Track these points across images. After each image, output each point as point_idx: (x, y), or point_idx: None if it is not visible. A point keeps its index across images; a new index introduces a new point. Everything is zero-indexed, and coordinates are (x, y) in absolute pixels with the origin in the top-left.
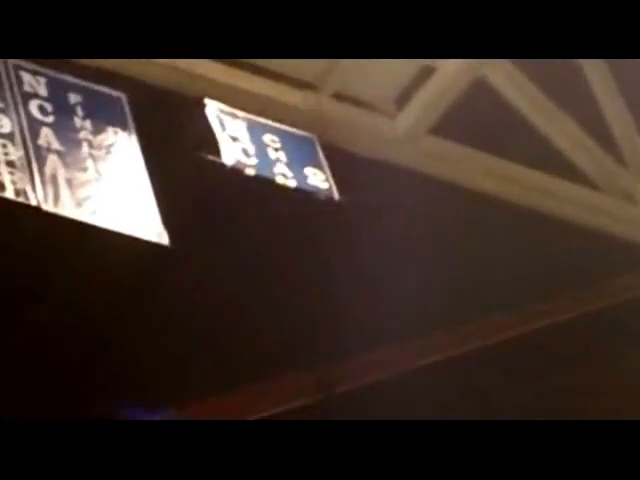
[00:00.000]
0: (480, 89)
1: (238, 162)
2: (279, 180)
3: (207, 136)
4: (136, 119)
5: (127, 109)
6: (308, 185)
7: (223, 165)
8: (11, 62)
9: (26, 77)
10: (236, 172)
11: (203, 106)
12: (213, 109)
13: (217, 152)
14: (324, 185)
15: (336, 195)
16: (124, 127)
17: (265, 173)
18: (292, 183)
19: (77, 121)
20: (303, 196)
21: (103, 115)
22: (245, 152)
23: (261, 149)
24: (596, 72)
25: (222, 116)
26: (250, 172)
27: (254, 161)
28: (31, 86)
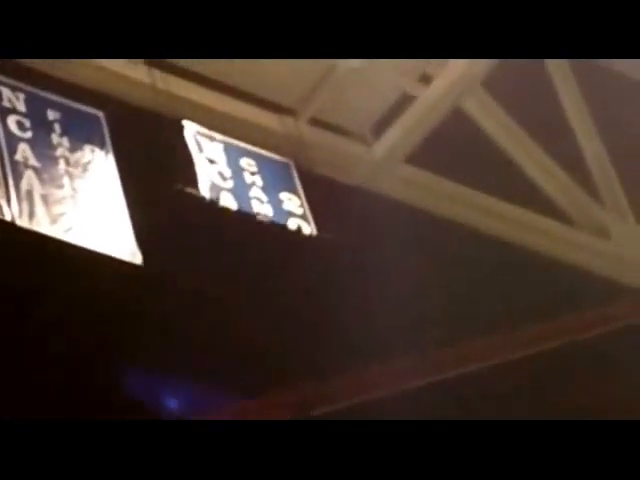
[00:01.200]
0: (457, 119)
1: (214, 185)
2: (254, 205)
3: (184, 158)
4: (114, 138)
5: (105, 127)
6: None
7: (202, 198)
8: None
9: (5, 92)
10: (213, 204)
11: (181, 127)
12: (191, 131)
13: (194, 175)
14: (299, 210)
15: (311, 222)
16: (101, 145)
17: (240, 196)
18: (267, 208)
19: (55, 138)
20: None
21: (81, 133)
22: (221, 175)
23: (237, 172)
24: (574, 108)
25: (199, 138)
26: (226, 201)
27: (230, 184)
28: (10, 101)
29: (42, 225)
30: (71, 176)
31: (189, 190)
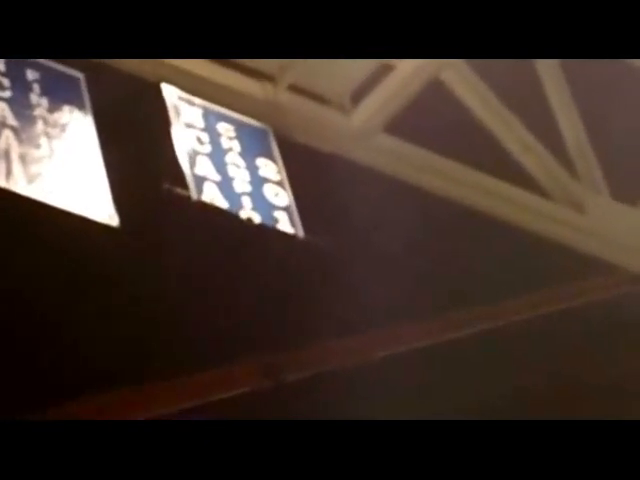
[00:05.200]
0: (436, 90)
1: (191, 150)
2: (230, 170)
3: (163, 121)
4: (93, 100)
5: (84, 89)
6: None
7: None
8: None
9: None
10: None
11: (161, 91)
12: (170, 94)
13: (171, 139)
14: (276, 177)
15: (287, 189)
16: (80, 107)
17: (217, 161)
18: (244, 173)
19: (33, 98)
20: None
21: (60, 94)
22: (199, 139)
23: (215, 137)
24: (553, 83)
25: (179, 102)
26: (203, 167)
27: (207, 149)
28: None
29: (19, 184)
30: (49, 136)
31: (178, 190)
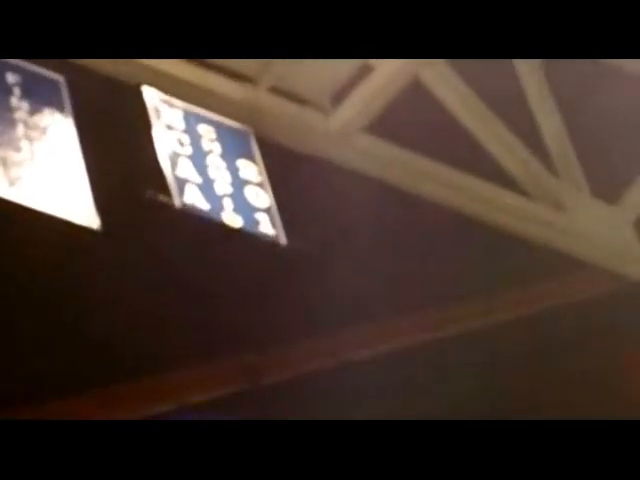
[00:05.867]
0: (416, 90)
1: (172, 152)
2: (211, 172)
3: (143, 123)
4: (73, 103)
5: (65, 92)
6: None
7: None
8: None
9: None
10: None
11: (141, 93)
12: (150, 97)
13: (152, 141)
14: (257, 178)
15: (268, 190)
16: (61, 110)
17: (198, 163)
18: (224, 175)
19: (14, 101)
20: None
21: (40, 97)
22: (180, 142)
23: (195, 139)
24: (533, 82)
25: (159, 104)
26: (184, 169)
27: (188, 151)
28: None
29: (0, 187)
30: (30, 139)
31: (161, 198)
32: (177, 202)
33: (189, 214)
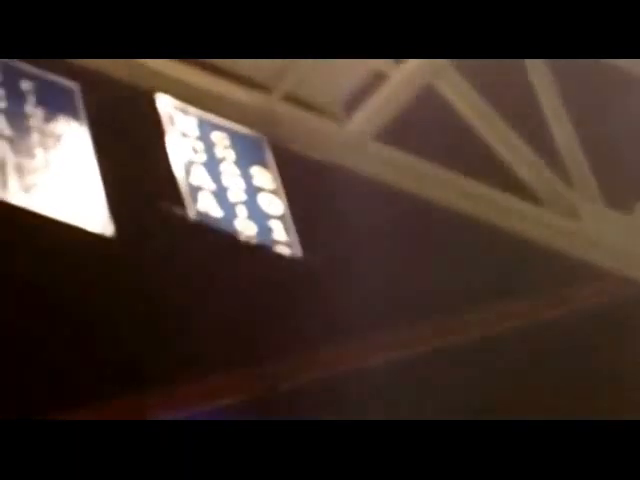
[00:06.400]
0: (429, 98)
1: (186, 159)
2: (225, 180)
3: (158, 131)
4: (88, 110)
5: (79, 99)
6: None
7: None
8: None
9: None
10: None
11: (155, 100)
12: (164, 104)
13: (166, 148)
14: (271, 185)
15: (282, 197)
16: (76, 117)
17: (212, 170)
18: (238, 182)
19: (28, 108)
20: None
21: (55, 104)
22: (193, 149)
23: (209, 146)
24: (546, 90)
25: (173, 111)
26: (197, 176)
27: (202, 158)
28: None
29: (15, 195)
30: (44, 147)
31: (176, 210)
32: (191, 210)
33: (203, 223)
